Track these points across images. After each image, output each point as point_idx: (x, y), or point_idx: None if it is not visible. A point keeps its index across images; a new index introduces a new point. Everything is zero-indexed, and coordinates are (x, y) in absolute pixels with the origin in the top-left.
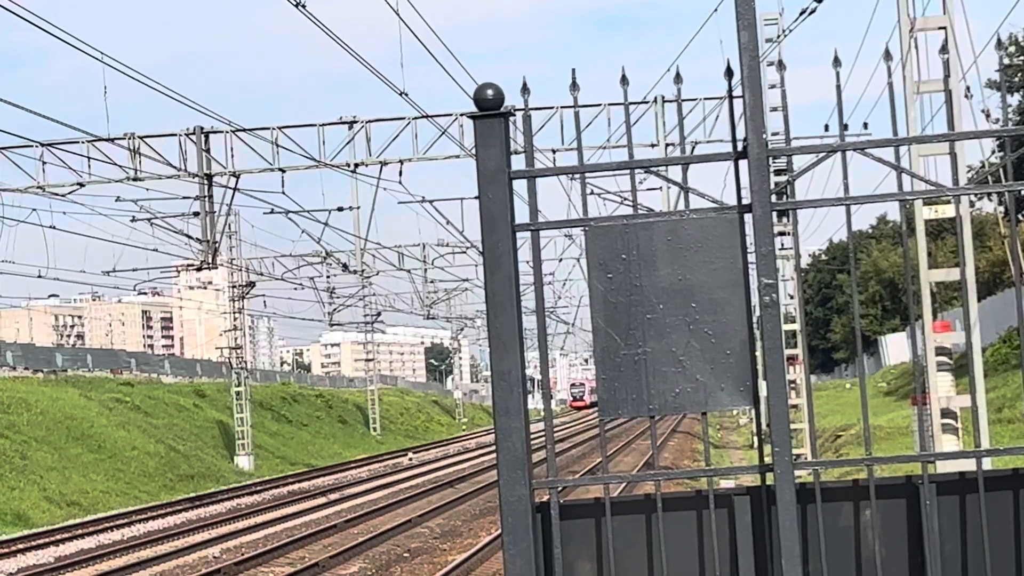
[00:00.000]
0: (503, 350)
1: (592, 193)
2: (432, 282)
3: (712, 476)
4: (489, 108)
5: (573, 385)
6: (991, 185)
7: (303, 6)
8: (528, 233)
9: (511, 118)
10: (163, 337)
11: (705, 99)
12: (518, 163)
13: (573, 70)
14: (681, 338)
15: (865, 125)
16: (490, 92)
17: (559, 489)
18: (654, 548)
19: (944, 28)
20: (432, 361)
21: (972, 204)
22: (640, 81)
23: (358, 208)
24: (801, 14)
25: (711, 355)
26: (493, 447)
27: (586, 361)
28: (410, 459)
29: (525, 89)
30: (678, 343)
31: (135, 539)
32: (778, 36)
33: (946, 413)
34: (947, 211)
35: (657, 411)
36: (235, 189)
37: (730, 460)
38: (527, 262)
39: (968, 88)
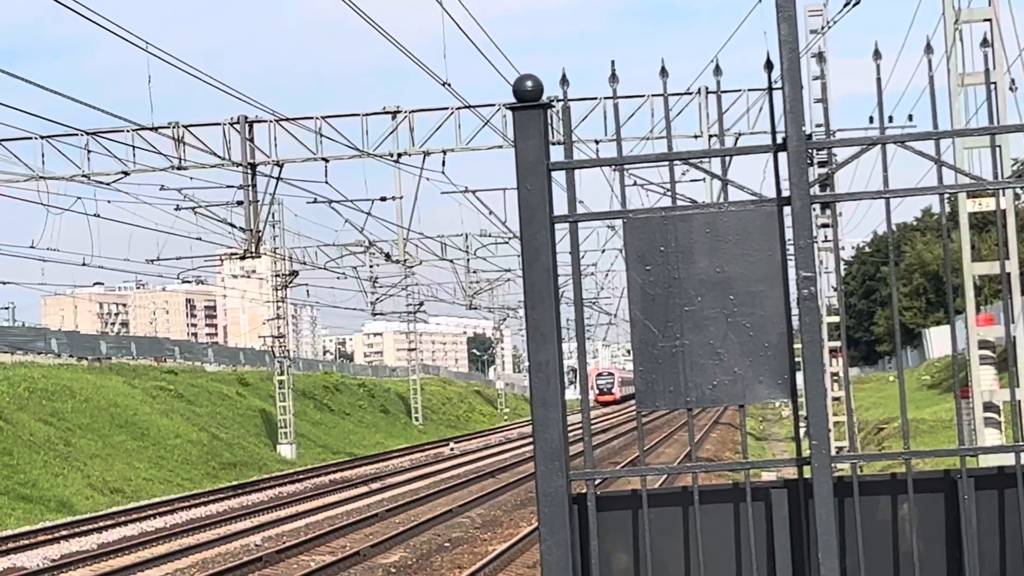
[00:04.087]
0: (541, 341)
1: (634, 184)
2: (474, 272)
3: (749, 469)
4: (528, 99)
5: (600, 375)
6: None
7: None
8: (567, 224)
9: (551, 109)
10: (207, 325)
11: (749, 90)
12: (559, 155)
13: (612, 62)
14: (719, 331)
15: (910, 117)
16: (529, 83)
17: (596, 481)
18: (691, 540)
19: (989, 20)
20: (474, 351)
21: (1017, 197)
22: (685, 72)
23: (401, 198)
24: (845, 5)
25: (749, 348)
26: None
27: (628, 352)
28: (452, 449)
29: (564, 80)
30: (716, 335)
31: (177, 526)
32: (822, 28)
33: (988, 407)
34: (991, 204)
35: (694, 404)
36: (278, 178)
37: (772, 452)
38: (568, 252)
39: (1013, 81)
